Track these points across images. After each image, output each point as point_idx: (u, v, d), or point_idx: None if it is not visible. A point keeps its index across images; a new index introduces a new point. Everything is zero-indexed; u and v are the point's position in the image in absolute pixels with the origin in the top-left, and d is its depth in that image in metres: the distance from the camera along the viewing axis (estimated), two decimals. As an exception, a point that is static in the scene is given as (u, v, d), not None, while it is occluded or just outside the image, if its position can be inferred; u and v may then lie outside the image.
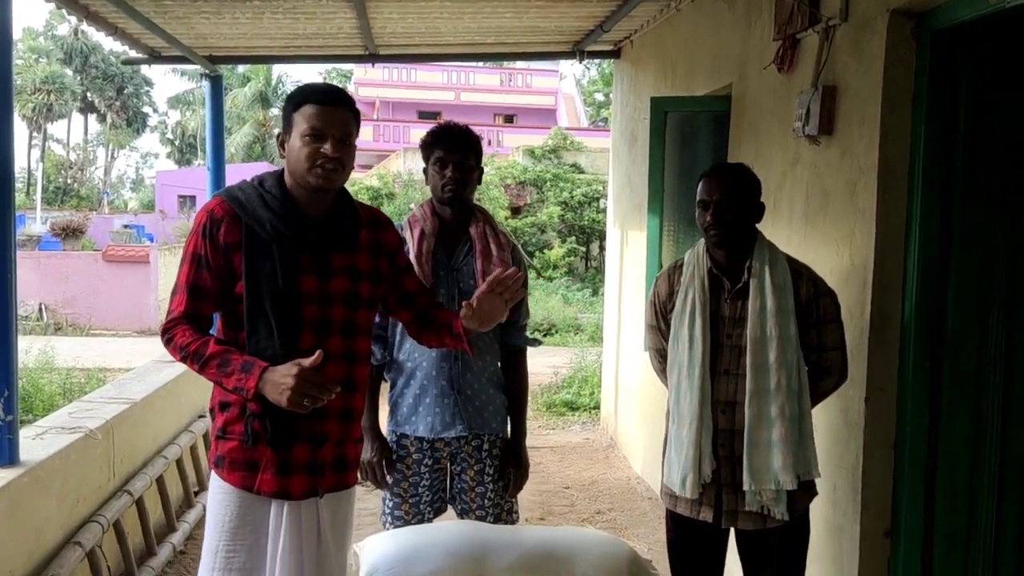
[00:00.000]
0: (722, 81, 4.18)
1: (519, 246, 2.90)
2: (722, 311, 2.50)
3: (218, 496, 2.17)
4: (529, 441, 2.89)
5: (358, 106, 2.22)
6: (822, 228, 3.01)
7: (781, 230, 3.15)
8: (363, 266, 2.21)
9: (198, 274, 2.09)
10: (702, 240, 2.56)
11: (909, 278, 2.63)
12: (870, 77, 2.71)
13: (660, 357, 2.71)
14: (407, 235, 2.71)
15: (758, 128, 3.66)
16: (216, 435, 2.17)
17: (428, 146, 2.74)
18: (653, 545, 4.00)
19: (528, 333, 2.94)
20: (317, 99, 2.08)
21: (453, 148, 2.69)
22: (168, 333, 2.09)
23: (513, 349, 2.86)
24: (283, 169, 2.17)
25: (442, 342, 2.41)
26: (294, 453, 2.11)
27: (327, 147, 2.04)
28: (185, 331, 2.07)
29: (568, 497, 5.24)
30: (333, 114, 2.07)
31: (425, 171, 2.77)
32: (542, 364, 8.49)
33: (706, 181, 2.52)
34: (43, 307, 13.44)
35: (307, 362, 1.97)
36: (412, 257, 2.65)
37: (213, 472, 2.19)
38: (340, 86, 2.27)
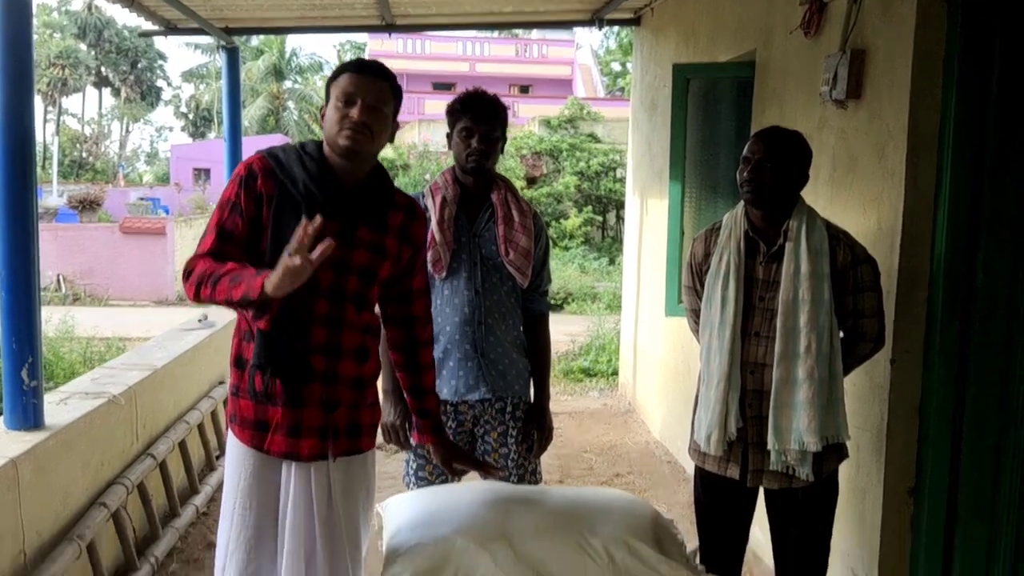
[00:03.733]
0: (746, 47, 4.12)
1: (539, 214, 2.88)
2: (756, 274, 2.49)
3: (233, 453, 2.19)
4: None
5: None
6: (848, 192, 2.97)
7: (807, 195, 3.11)
8: (389, 247, 2.20)
9: (230, 217, 2.08)
10: (742, 202, 2.54)
11: (938, 241, 2.60)
12: (900, 40, 2.67)
13: (695, 317, 2.71)
14: (428, 203, 2.70)
15: (783, 93, 3.62)
16: (231, 392, 2.19)
17: (455, 113, 2.71)
18: (672, 507, 4.02)
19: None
20: (353, 68, 2.11)
21: (480, 118, 2.66)
22: (189, 266, 2.04)
23: (536, 314, 2.86)
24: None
25: (401, 379, 2.44)
26: (305, 416, 2.11)
27: (355, 111, 2.05)
28: (207, 261, 2.01)
29: (587, 461, 5.27)
30: (365, 81, 2.08)
31: (449, 136, 2.75)
32: (560, 332, 8.47)
33: (754, 139, 2.53)
34: (61, 278, 13.55)
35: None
36: (434, 224, 2.64)
37: (229, 429, 2.22)
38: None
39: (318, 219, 1.85)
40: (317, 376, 2.10)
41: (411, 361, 2.39)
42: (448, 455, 2.46)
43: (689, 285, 2.71)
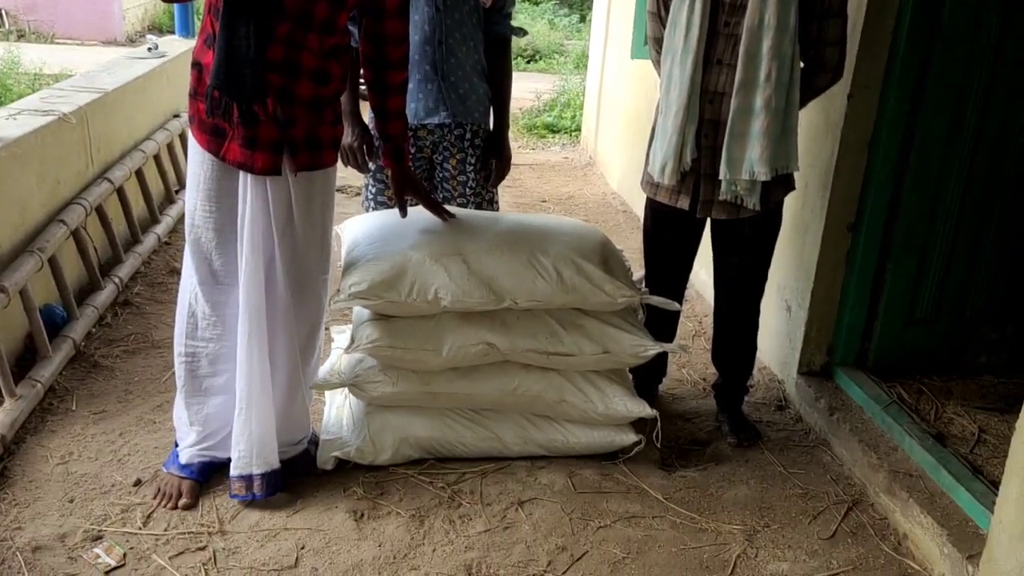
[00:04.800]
0: None
1: None
2: None
3: (193, 154, 2.20)
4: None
5: None
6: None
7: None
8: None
9: None
10: None
11: (911, -30, 2.52)
12: None
13: (657, 47, 2.64)
14: None
15: None
16: (190, 93, 2.15)
17: None
18: (626, 251, 4.14)
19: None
20: None
21: None
22: None
23: (498, 37, 2.79)
24: None
25: (369, 98, 2.38)
26: (260, 130, 2.08)
27: None
28: None
29: (544, 209, 5.36)
30: None
31: None
32: (524, 89, 8.32)
33: None
34: (3, 12, 12.72)
35: None
36: None
37: (189, 130, 2.20)
38: None
39: None
40: (272, 92, 2.05)
41: (379, 80, 2.32)
42: (403, 184, 2.45)
43: (653, 11, 2.62)
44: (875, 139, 2.71)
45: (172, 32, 6.70)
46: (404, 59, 2.34)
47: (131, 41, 12.60)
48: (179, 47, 5.36)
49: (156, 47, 5.14)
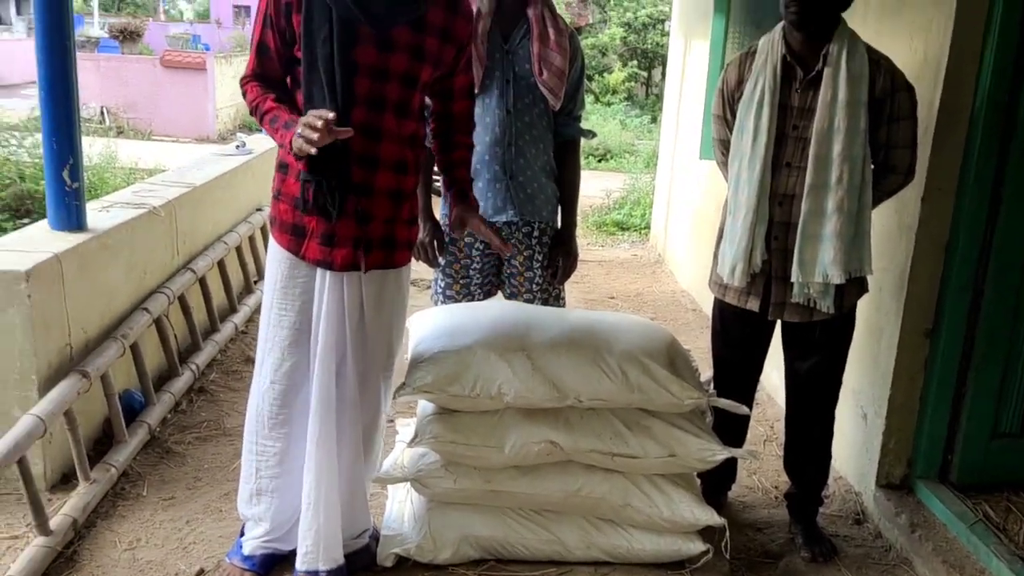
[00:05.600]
0: None
1: (576, 33, 2.81)
2: (791, 101, 2.42)
3: (272, 255, 2.26)
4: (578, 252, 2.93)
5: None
6: (895, 21, 2.85)
7: (854, 25, 2.98)
8: (429, 48, 2.14)
9: (264, 32, 2.11)
10: (779, 26, 2.45)
11: (984, 73, 2.51)
12: None
13: (723, 148, 2.66)
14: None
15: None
16: (273, 195, 2.23)
17: None
18: (694, 351, 4.09)
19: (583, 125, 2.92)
20: None
21: None
22: (242, 86, 2.19)
23: (567, 139, 2.85)
24: None
25: (437, 161, 2.48)
26: (339, 226, 2.14)
27: None
28: (254, 87, 2.15)
29: (613, 306, 5.35)
30: None
31: (484, -51, 2.66)
32: (595, 187, 8.45)
33: None
34: (104, 110, 13.59)
35: (328, 113, 1.91)
36: None
37: (270, 230, 2.27)
38: None
39: (331, 115, 1.90)
40: (353, 187, 2.11)
41: (445, 145, 2.40)
42: (463, 213, 2.39)
43: (719, 114, 2.65)
44: (952, 242, 2.65)
45: (260, 131, 7.05)
46: (469, 139, 2.43)
47: (223, 139, 13.28)
48: (265, 144, 5.63)
49: (244, 145, 5.40)
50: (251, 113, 2.17)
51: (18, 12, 25.97)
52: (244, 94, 2.18)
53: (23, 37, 22.23)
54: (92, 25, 21.65)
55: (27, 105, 10.67)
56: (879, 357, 2.85)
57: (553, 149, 2.82)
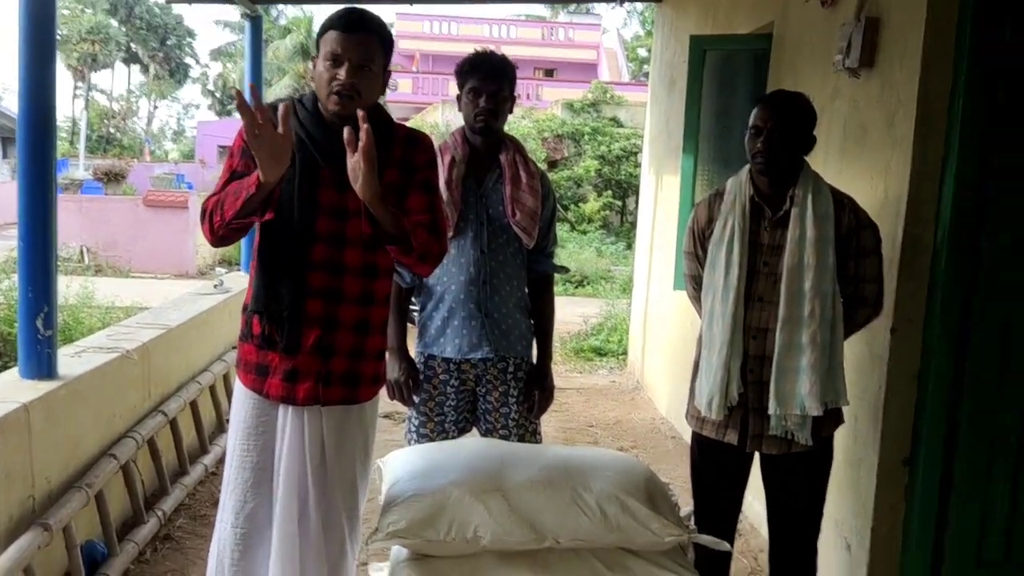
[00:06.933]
0: (763, 19, 4.11)
1: (547, 173, 2.90)
2: (761, 239, 2.49)
3: (237, 396, 2.25)
4: (555, 382, 2.92)
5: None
6: (858, 162, 2.97)
7: (817, 165, 3.08)
8: (389, 179, 2.16)
9: (239, 160, 2.14)
10: (746, 167, 2.54)
11: (943, 209, 2.60)
12: (914, 7, 2.65)
13: (695, 284, 2.71)
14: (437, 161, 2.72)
15: (798, 65, 3.61)
16: (239, 337, 2.23)
17: (463, 74, 2.73)
18: (674, 480, 4.03)
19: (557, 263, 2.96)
20: (340, 25, 2.07)
21: (488, 79, 2.68)
22: (203, 208, 2.12)
23: (540, 275, 2.88)
24: None
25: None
26: (301, 361, 2.13)
27: (342, 72, 2.05)
28: (215, 197, 2.10)
29: (592, 435, 5.30)
30: (352, 40, 2.06)
31: (458, 98, 2.77)
32: (572, 313, 8.52)
33: (762, 107, 2.49)
34: (84, 249, 13.70)
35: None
36: (442, 183, 2.65)
37: (236, 371, 2.26)
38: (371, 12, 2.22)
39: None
40: (315, 321, 2.12)
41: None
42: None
43: (690, 251, 2.71)
44: (923, 372, 2.67)
45: (238, 265, 7.12)
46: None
47: (202, 274, 13.37)
48: (243, 281, 5.66)
49: (222, 284, 5.43)
50: (211, 224, 2.08)
51: (4, 156, 26.56)
52: (203, 212, 2.10)
53: (7, 179, 22.66)
54: (77, 167, 22.09)
55: (6, 247, 10.73)
56: (859, 487, 2.82)
57: (528, 284, 2.86)
